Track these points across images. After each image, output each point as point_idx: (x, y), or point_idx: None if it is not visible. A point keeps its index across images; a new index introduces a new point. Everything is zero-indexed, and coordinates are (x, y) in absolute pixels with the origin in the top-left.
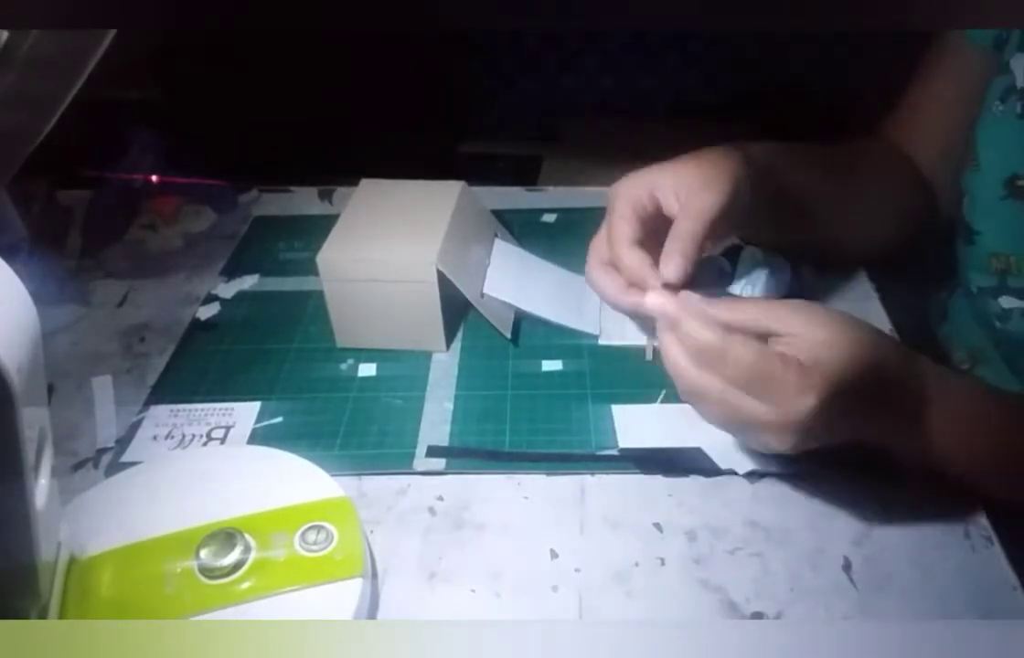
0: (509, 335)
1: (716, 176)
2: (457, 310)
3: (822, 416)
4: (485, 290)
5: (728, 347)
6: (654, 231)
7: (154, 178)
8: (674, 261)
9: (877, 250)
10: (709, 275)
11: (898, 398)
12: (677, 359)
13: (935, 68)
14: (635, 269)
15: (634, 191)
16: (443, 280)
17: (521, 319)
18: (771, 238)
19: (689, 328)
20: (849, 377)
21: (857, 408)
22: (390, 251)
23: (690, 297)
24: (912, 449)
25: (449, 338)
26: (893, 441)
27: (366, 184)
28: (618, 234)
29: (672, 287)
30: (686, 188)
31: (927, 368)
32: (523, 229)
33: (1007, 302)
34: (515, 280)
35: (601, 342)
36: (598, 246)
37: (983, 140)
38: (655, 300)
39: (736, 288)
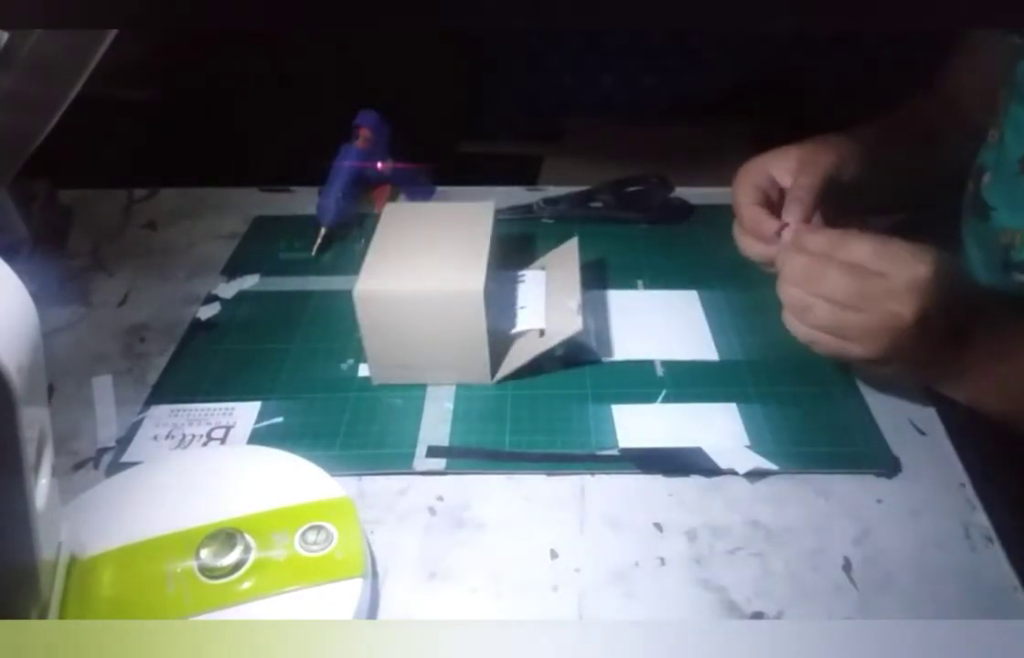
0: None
1: (817, 157)
2: (500, 339)
3: (907, 332)
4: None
5: (830, 269)
6: (773, 205)
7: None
8: (794, 207)
9: (937, 198)
10: None
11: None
12: (792, 274)
13: (973, 47)
14: (758, 221)
15: (753, 172)
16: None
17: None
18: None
19: (805, 241)
20: (932, 306)
21: (935, 333)
22: (431, 282)
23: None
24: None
25: (494, 368)
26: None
27: (391, 209)
28: (742, 200)
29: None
30: (796, 164)
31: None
32: (523, 229)
33: (1019, 276)
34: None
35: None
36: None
37: (1011, 117)
38: (786, 232)
39: None
